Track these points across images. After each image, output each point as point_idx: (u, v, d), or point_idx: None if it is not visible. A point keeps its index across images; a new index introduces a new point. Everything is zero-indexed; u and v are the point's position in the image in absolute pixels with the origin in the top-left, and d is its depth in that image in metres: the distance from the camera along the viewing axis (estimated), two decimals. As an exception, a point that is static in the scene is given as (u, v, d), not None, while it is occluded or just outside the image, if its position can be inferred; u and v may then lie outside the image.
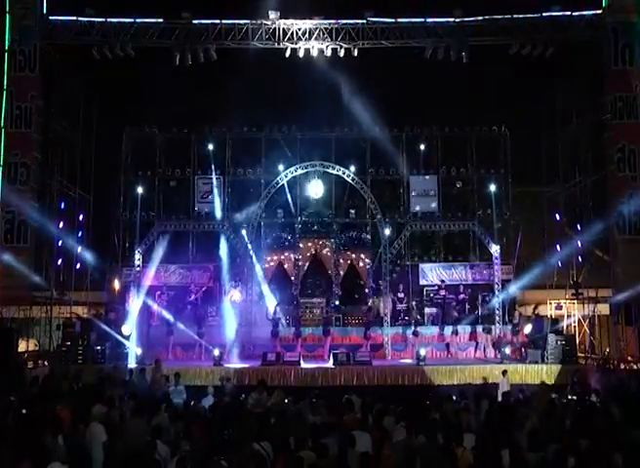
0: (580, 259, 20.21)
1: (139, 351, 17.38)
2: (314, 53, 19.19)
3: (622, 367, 16.41)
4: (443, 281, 21.12)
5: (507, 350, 17.66)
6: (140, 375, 14.40)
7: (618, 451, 6.73)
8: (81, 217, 20.99)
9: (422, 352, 17.35)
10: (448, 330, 19.18)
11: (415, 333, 18.90)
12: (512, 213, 22.35)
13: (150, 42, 18.95)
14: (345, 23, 19.19)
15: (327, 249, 22.03)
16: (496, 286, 20.64)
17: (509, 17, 18.81)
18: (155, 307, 20.22)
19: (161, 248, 21.06)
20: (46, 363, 17.23)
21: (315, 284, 21.75)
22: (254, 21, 19.11)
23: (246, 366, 17.02)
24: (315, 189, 21.87)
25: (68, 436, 7.67)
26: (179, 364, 17.32)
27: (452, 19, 18.92)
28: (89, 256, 20.95)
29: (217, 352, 17.09)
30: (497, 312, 19.81)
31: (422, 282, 21.85)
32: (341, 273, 22.02)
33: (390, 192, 22.86)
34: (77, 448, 7.24)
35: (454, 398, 12.15)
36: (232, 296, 20.55)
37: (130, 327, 18.31)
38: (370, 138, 22.63)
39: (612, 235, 18.08)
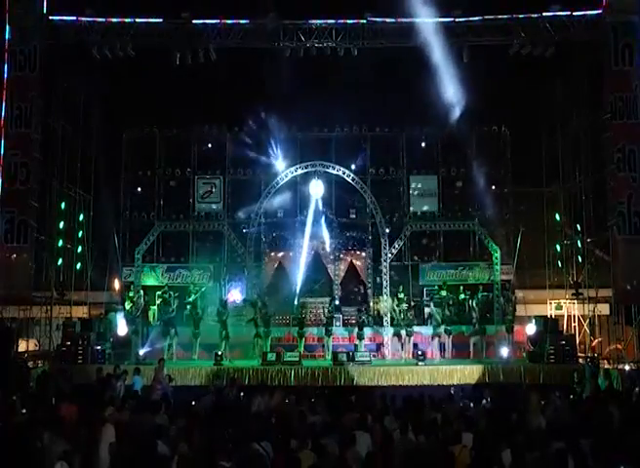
0: (580, 259, 20.22)
1: (140, 351, 17.38)
2: (314, 53, 19.21)
3: (622, 367, 16.44)
4: (446, 282, 21.12)
5: (505, 351, 17.63)
6: (141, 376, 14.43)
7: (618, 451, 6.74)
8: (81, 217, 21.01)
9: (422, 352, 17.41)
10: (447, 330, 19.12)
11: (409, 334, 18.85)
12: (512, 213, 22.34)
13: (150, 42, 18.92)
14: (345, 23, 19.19)
15: (327, 249, 22.03)
16: (495, 286, 20.68)
17: (509, 17, 18.79)
18: (156, 307, 20.26)
19: (161, 247, 21.07)
20: (46, 363, 17.26)
21: (315, 284, 21.75)
22: (254, 21, 19.10)
23: (246, 366, 17.03)
24: (315, 189, 21.85)
25: (73, 436, 7.67)
26: (179, 364, 17.36)
27: (452, 19, 18.90)
28: (89, 256, 20.99)
29: (217, 352, 17.13)
30: (496, 312, 19.84)
31: (422, 282, 21.88)
32: (342, 273, 22.05)
33: (390, 192, 22.86)
34: (83, 448, 7.25)
35: (452, 395, 12.19)
36: (232, 296, 20.57)
37: (127, 327, 18.36)
38: (370, 138, 22.67)
39: (612, 235, 18.06)
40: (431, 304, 19.72)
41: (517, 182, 22.51)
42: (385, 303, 19.76)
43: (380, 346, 19.28)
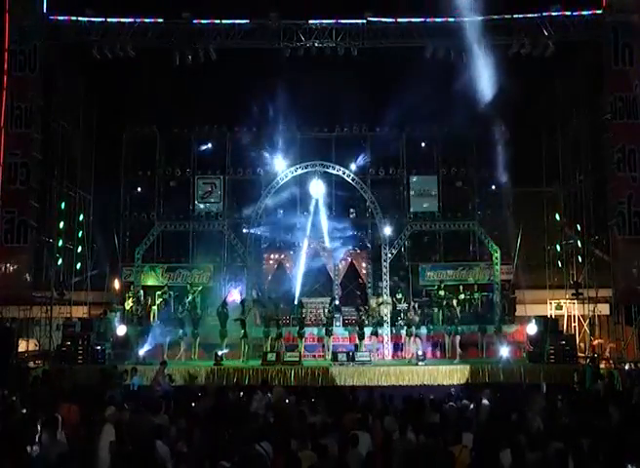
0: (580, 259, 20.22)
1: (140, 351, 17.38)
2: (314, 53, 19.21)
3: (622, 367, 16.43)
4: (443, 281, 21.11)
5: (505, 350, 17.60)
6: (139, 376, 14.44)
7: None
8: (81, 217, 21.00)
9: (421, 352, 17.41)
10: (447, 330, 19.10)
11: (409, 334, 18.81)
12: (512, 213, 22.32)
13: (150, 42, 18.92)
14: (345, 23, 19.18)
15: (327, 249, 22.02)
16: (495, 286, 20.67)
17: (509, 17, 18.79)
18: (156, 307, 20.26)
19: (161, 247, 21.03)
20: (46, 363, 17.26)
21: (316, 284, 21.75)
22: (254, 21, 19.10)
23: (246, 366, 17.03)
24: (315, 189, 21.84)
25: (73, 436, 7.66)
26: (179, 364, 17.34)
27: (452, 19, 18.87)
28: (89, 256, 20.98)
29: (217, 352, 17.13)
30: (496, 312, 19.82)
31: (422, 282, 21.87)
32: (342, 273, 22.05)
33: (390, 192, 22.85)
34: (84, 448, 7.25)
35: (452, 395, 12.18)
36: (232, 296, 20.56)
37: (130, 328, 18.35)
38: (370, 138, 22.67)
39: (612, 235, 18.07)
40: (411, 303, 19.64)
41: (517, 182, 22.47)
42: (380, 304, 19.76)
43: (380, 346, 19.16)
